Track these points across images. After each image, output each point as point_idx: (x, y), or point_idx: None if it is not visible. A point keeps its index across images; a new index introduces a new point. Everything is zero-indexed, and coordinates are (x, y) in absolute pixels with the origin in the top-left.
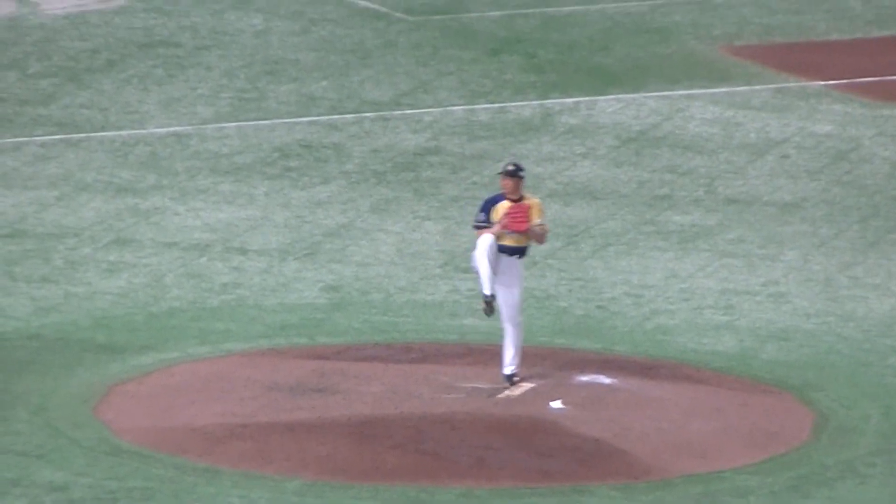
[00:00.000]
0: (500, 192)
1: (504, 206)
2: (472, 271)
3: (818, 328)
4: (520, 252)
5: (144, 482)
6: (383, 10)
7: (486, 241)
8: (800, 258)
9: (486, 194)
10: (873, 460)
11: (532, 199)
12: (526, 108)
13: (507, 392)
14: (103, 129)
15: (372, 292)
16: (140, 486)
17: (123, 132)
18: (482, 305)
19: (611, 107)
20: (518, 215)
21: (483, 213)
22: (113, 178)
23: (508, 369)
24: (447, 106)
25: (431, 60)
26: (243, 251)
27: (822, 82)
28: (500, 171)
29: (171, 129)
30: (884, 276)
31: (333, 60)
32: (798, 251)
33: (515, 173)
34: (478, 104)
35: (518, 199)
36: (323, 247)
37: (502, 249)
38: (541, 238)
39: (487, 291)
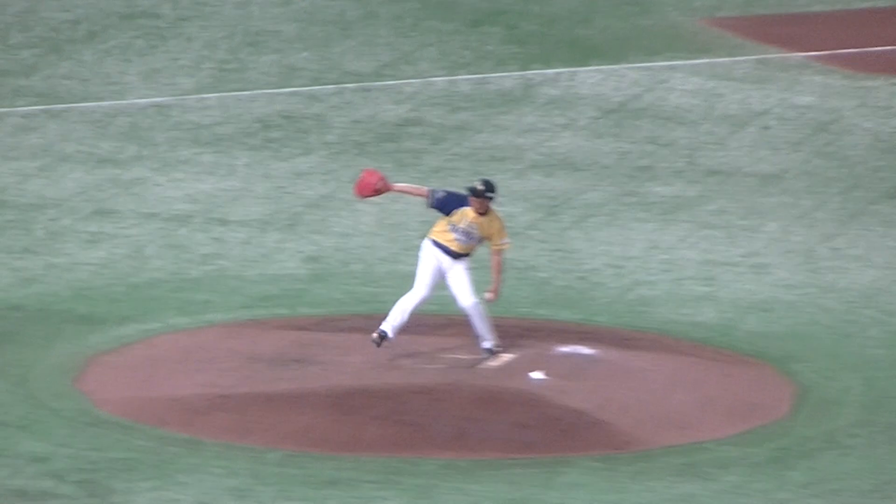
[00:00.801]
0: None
1: (466, 213)
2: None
3: (799, 299)
4: (464, 257)
5: (126, 453)
6: None
7: (412, 300)
8: (781, 230)
9: (466, 165)
10: (854, 431)
11: (496, 219)
12: (507, 79)
13: (487, 363)
14: (84, 99)
15: (353, 263)
16: (121, 458)
17: (104, 103)
18: (374, 335)
19: (592, 78)
20: (365, 183)
21: (444, 205)
22: (94, 149)
23: (487, 343)
24: (428, 77)
25: (412, 32)
26: (224, 222)
27: (804, 54)
28: (468, 187)
29: (153, 100)
30: (865, 247)
31: (314, 32)
32: (779, 223)
33: (482, 194)
34: (459, 75)
35: (483, 213)
36: (304, 218)
37: (447, 252)
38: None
39: (388, 332)
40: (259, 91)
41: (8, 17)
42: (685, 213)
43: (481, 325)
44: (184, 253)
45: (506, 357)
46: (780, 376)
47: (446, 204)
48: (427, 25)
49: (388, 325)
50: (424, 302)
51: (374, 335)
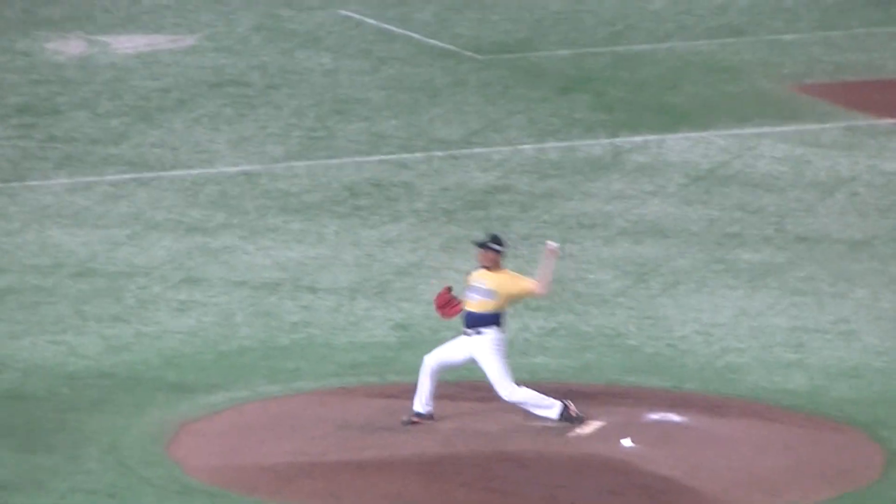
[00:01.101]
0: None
1: (477, 271)
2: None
3: (888, 366)
4: (484, 329)
5: None
6: (452, 48)
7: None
8: (870, 296)
9: (555, 233)
10: None
11: (506, 273)
12: (595, 146)
13: (577, 430)
14: (174, 167)
15: (442, 331)
16: None
17: (193, 171)
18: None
19: (680, 145)
20: (442, 302)
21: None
22: (183, 217)
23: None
24: (516, 144)
25: (501, 99)
26: (313, 290)
27: (892, 120)
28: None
29: (241, 167)
30: None
31: (402, 99)
32: (868, 289)
33: (483, 244)
34: (547, 142)
35: (489, 268)
36: (393, 285)
37: (466, 318)
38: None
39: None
40: (347, 159)
41: (97, 86)
42: (774, 280)
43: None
44: (273, 321)
45: (595, 424)
46: (870, 442)
47: None
48: (515, 93)
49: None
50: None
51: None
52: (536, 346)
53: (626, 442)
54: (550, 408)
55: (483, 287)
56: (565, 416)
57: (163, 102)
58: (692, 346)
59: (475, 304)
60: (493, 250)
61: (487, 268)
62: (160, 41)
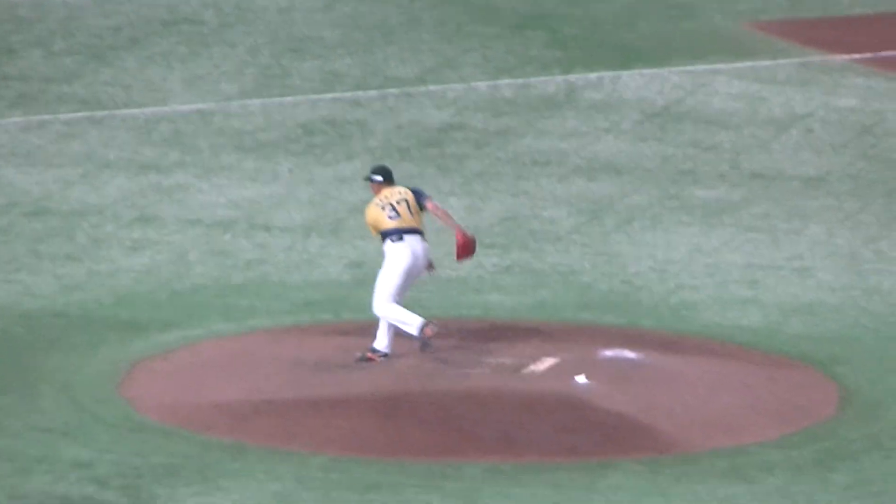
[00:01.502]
0: None
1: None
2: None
3: (843, 302)
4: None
5: (169, 459)
6: None
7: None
8: (824, 232)
9: (509, 170)
10: None
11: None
12: (550, 83)
13: (531, 367)
14: (127, 106)
15: None
16: (165, 463)
17: (147, 110)
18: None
19: (634, 82)
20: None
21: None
22: (136, 156)
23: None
24: (471, 82)
25: (455, 37)
26: (267, 228)
27: (846, 56)
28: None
29: (195, 106)
30: None
31: (357, 37)
32: (822, 225)
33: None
34: (501, 80)
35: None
36: (347, 223)
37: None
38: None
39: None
40: (302, 97)
41: (51, 24)
42: (729, 217)
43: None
44: (227, 259)
45: (550, 361)
46: (825, 379)
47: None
48: (470, 30)
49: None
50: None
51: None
52: (491, 283)
53: (581, 379)
54: (412, 324)
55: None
56: (422, 333)
57: (116, 41)
58: (647, 283)
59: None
60: (370, 180)
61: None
62: None
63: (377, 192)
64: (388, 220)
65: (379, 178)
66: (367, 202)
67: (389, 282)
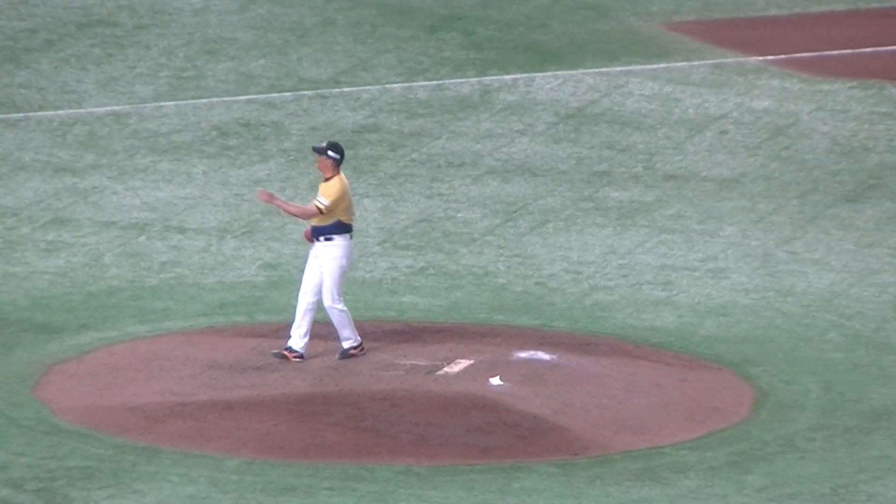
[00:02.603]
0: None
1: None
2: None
3: (757, 303)
4: (326, 238)
5: (84, 461)
6: None
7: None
8: (738, 234)
9: (423, 171)
10: (812, 435)
11: (335, 182)
12: (464, 85)
13: (445, 369)
14: (41, 108)
15: None
16: (79, 466)
17: (61, 112)
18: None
19: (549, 83)
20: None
21: None
22: (51, 158)
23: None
24: (385, 83)
25: (369, 38)
26: (182, 230)
27: (761, 57)
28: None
29: (110, 108)
30: (823, 251)
31: (272, 39)
32: (737, 227)
33: (320, 150)
34: (416, 81)
35: (328, 179)
36: (261, 225)
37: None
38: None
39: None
40: (216, 98)
41: None
42: (643, 218)
43: (338, 330)
44: (142, 261)
45: (464, 363)
46: (739, 380)
47: None
48: (384, 32)
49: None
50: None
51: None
52: (405, 285)
53: (495, 380)
54: (349, 339)
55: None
56: (349, 351)
57: (30, 43)
58: (561, 285)
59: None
60: (327, 157)
61: (327, 178)
62: None
63: (331, 171)
64: (350, 216)
65: (337, 156)
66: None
67: (341, 279)
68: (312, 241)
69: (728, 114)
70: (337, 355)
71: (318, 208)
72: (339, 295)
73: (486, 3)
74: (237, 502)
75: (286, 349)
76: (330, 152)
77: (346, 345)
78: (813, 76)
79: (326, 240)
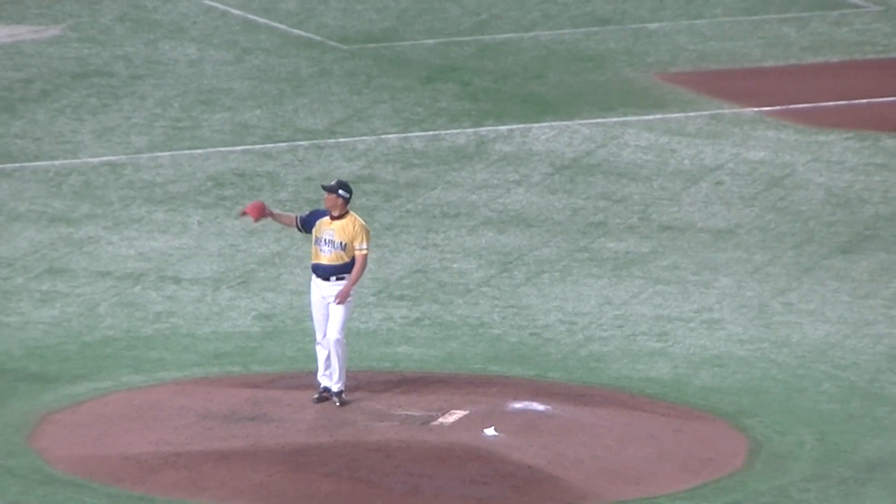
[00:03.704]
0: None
1: (324, 222)
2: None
3: (752, 354)
4: (340, 277)
5: None
6: (317, 38)
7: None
8: (734, 285)
9: (419, 222)
10: (807, 486)
11: (354, 222)
12: (460, 135)
13: (440, 419)
14: (37, 158)
15: (305, 320)
16: None
17: (57, 162)
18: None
19: (545, 134)
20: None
21: (307, 224)
22: (46, 208)
23: (338, 385)
24: (381, 134)
25: (365, 89)
26: (177, 280)
27: (757, 109)
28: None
29: (105, 158)
30: (818, 302)
31: (267, 89)
32: (732, 278)
33: (332, 189)
34: (412, 132)
35: (340, 217)
36: (256, 275)
37: (320, 271)
38: (359, 266)
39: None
40: (212, 149)
41: None
42: (638, 269)
43: (337, 364)
44: (137, 311)
45: (459, 413)
46: (733, 431)
47: (309, 223)
48: (380, 82)
49: (326, 380)
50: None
51: (315, 395)
52: (400, 335)
53: (490, 431)
54: (340, 382)
55: (335, 240)
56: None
57: (26, 93)
58: (556, 335)
59: (328, 256)
60: (338, 196)
61: (336, 217)
62: (23, 32)
63: (340, 209)
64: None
65: (348, 194)
66: (276, 254)
67: (349, 313)
68: (257, 219)
69: (724, 165)
70: (337, 402)
71: (365, 255)
72: (344, 332)
73: (481, 53)
74: None
75: (326, 391)
76: (341, 191)
77: (339, 387)
78: (809, 127)
79: (339, 279)
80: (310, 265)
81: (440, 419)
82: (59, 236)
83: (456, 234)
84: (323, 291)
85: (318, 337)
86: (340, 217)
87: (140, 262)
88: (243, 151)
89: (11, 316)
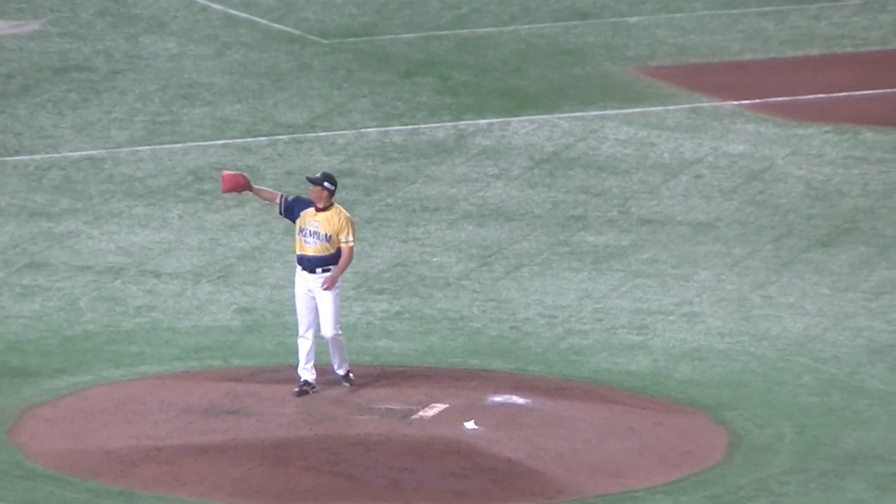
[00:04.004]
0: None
1: (308, 213)
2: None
3: (731, 347)
4: (325, 269)
5: None
6: (297, 33)
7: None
8: (713, 278)
9: (399, 216)
10: (787, 479)
11: (339, 214)
12: (440, 129)
13: (420, 413)
14: (17, 153)
15: (286, 314)
16: None
17: (37, 156)
18: (295, 389)
19: (524, 128)
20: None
21: (290, 210)
22: (27, 203)
23: (343, 369)
24: (361, 128)
25: (345, 83)
26: (157, 274)
27: (736, 102)
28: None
29: (85, 152)
30: (797, 295)
31: (247, 84)
32: (711, 271)
33: (317, 181)
34: (391, 126)
35: (325, 209)
36: (237, 269)
37: (306, 263)
38: (345, 257)
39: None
40: (192, 143)
41: None
42: (618, 262)
43: (338, 354)
44: (117, 305)
45: (439, 407)
46: (713, 424)
47: (293, 209)
48: (359, 77)
49: (307, 374)
50: (307, 333)
51: (295, 389)
52: (380, 329)
53: (470, 424)
54: (345, 365)
55: (321, 231)
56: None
57: (6, 88)
58: (536, 329)
59: (313, 248)
60: (324, 188)
61: (321, 209)
62: (3, 26)
63: (325, 201)
64: None
65: (333, 187)
66: (256, 248)
67: (338, 304)
68: (227, 191)
69: (703, 158)
70: (347, 384)
71: (352, 247)
72: (337, 323)
73: (461, 48)
74: None
75: (306, 384)
76: (326, 183)
77: (346, 369)
78: (788, 121)
79: (325, 270)
80: (291, 258)
81: (420, 413)
82: (39, 230)
83: (436, 227)
84: (308, 283)
85: (301, 330)
86: (325, 209)
87: (120, 257)
88: (223, 146)
89: None
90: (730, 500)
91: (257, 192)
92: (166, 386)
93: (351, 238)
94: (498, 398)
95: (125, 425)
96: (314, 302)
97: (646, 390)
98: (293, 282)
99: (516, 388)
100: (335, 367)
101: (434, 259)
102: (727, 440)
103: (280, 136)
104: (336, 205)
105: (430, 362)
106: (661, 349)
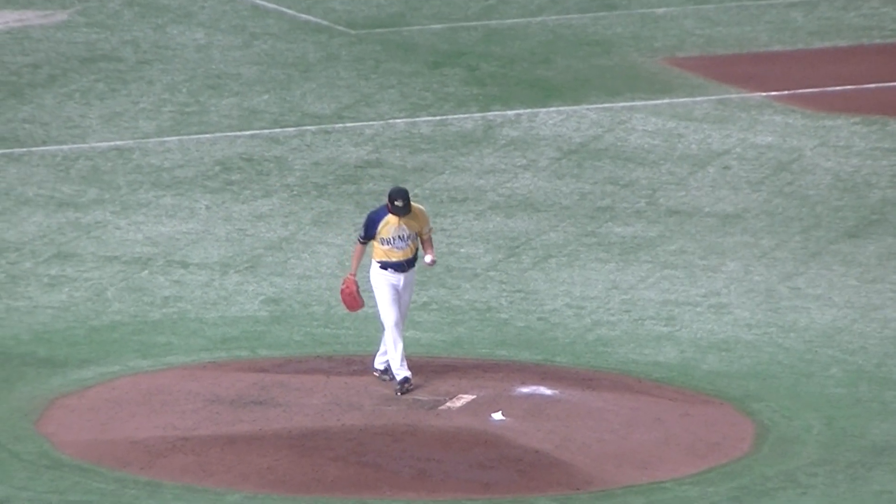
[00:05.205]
0: (384, 206)
1: (390, 221)
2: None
3: (759, 339)
4: (412, 265)
5: (85, 496)
6: (325, 23)
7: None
8: (741, 269)
9: (427, 206)
10: (814, 470)
11: (419, 212)
12: (467, 120)
13: (448, 404)
14: (45, 143)
15: (313, 305)
16: (81, 500)
17: (65, 146)
18: (397, 387)
19: (552, 119)
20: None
21: (368, 232)
22: (54, 193)
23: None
24: (388, 119)
25: (373, 74)
26: (184, 264)
27: (764, 93)
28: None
29: (113, 143)
30: (825, 286)
31: (275, 74)
32: (739, 262)
33: (398, 211)
34: (419, 117)
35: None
36: (264, 260)
37: (396, 266)
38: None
39: (405, 374)
40: (219, 134)
41: None
42: (645, 254)
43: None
44: (144, 296)
45: (466, 398)
46: (740, 415)
47: (369, 229)
48: (387, 67)
49: (399, 371)
50: (399, 325)
51: (397, 387)
52: (408, 320)
53: (497, 415)
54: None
55: (406, 233)
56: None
57: (34, 78)
58: (563, 320)
59: (403, 252)
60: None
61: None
62: (31, 17)
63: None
64: None
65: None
66: (283, 238)
67: None
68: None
69: (731, 149)
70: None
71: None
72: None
73: (489, 38)
74: None
75: (407, 381)
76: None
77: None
78: (816, 112)
79: (412, 264)
80: (319, 248)
81: (447, 403)
82: (66, 221)
83: (463, 218)
84: (400, 282)
85: (398, 331)
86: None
87: (148, 247)
88: (251, 136)
89: (19, 300)
90: (757, 491)
91: (357, 264)
92: (193, 376)
93: (431, 225)
94: (525, 389)
95: (152, 415)
96: (398, 292)
97: (673, 381)
98: (324, 273)
99: (543, 379)
100: (381, 360)
101: (462, 250)
102: (754, 431)
103: (308, 127)
104: (413, 206)
105: (457, 353)
106: (688, 340)
